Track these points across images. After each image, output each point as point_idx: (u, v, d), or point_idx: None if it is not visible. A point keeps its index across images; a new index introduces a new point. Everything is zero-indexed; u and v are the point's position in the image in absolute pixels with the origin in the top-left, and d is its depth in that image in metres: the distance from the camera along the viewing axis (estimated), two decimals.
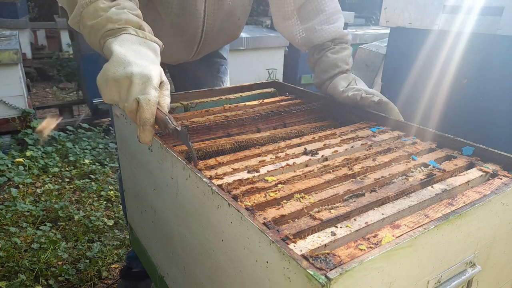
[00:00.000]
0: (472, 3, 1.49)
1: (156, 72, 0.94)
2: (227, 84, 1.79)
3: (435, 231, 0.66)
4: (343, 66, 1.39)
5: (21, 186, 2.94)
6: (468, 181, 0.88)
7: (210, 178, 0.85)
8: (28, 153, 3.32)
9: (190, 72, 1.69)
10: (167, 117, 0.94)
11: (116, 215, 2.66)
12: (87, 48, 4.01)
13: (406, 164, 0.95)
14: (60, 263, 2.17)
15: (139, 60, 0.95)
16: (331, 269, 0.56)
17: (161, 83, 0.96)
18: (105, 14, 0.99)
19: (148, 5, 1.34)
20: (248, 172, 0.89)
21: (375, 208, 0.76)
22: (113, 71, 0.92)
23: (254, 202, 0.77)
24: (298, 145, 1.07)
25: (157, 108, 0.92)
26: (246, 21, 1.62)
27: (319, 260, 0.59)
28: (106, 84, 0.93)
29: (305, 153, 1.00)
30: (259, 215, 0.72)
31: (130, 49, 0.97)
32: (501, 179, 0.88)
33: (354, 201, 0.79)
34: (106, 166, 3.36)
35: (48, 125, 1.52)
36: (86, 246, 2.30)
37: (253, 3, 1.58)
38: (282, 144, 1.07)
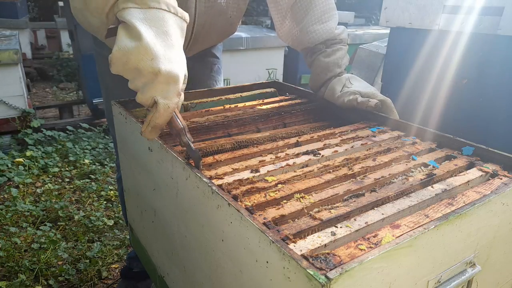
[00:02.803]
0: (472, 3, 1.49)
1: (183, 73, 0.87)
2: (221, 83, 1.79)
3: (435, 231, 0.66)
4: (336, 70, 1.36)
5: (21, 186, 2.94)
6: (468, 181, 0.88)
7: (210, 178, 0.85)
8: (28, 153, 3.32)
9: None
10: (182, 128, 0.89)
11: (116, 215, 2.66)
12: (87, 48, 4.03)
13: (406, 164, 0.95)
14: (60, 263, 2.17)
15: (168, 52, 0.84)
16: (331, 269, 0.56)
17: (184, 76, 0.89)
18: None
19: None
20: (250, 172, 0.89)
21: (375, 208, 0.76)
22: (138, 58, 0.82)
23: (254, 202, 0.77)
24: (298, 145, 1.07)
25: (173, 114, 0.86)
26: (241, 18, 1.60)
27: (319, 260, 0.59)
28: (125, 67, 0.84)
29: (305, 153, 1.00)
30: (259, 215, 0.72)
31: (160, 36, 0.84)
32: (501, 179, 0.88)
33: (354, 201, 0.79)
34: (106, 166, 3.36)
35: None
36: (86, 246, 2.30)
37: (253, 3, 1.58)
38: (282, 143, 1.07)
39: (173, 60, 0.85)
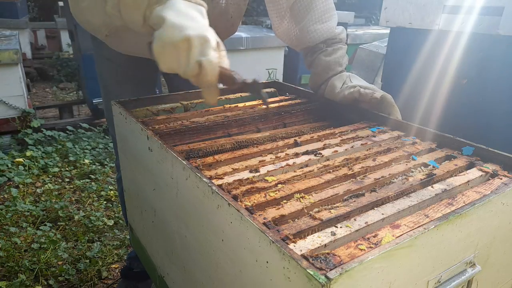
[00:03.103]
0: (472, 3, 1.49)
1: (212, 33, 0.94)
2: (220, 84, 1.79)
3: (435, 231, 0.66)
4: (337, 69, 1.37)
5: (21, 186, 2.94)
6: (468, 181, 0.88)
7: (210, 178, 0.85)
8: (28, 153, 3.32)
9: None
10: (232, 73, 0.95)
11: (116, 215, 2.66)
12: (87, 48, 4.03)
13: (406, 164, 0.95)
14: (60, 263, 2.17)
15: (193, 23, 0.93)
16: (331, 269, 0.56)
17: (217, 43, 0.96)
18: None
19: None
20: (250, 172, 0.89)
21: (375, 208, 0.76)
22: (170, 36, 0.90)
23: (254, 202, 0.77)
24: (298, 145, 1.07)
25: (219, 67, 0.93)
26: (241, 18, 1.60)
27: (319, 260, 0.59)
28: (164, 51, 0.91)
29: (305, 153, 1.00)
30: (259, 215, 0.72)
31: (181, 13, 0.94)
32: (501, 179, 0.88)
33: (354, 201, 0.79)
34: (106, 166, 3.36)
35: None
36: (86, 246, 2.30)
37: (253, 3, 1.58)
38: (282, 143, 1.07)
39: (198, 26, 0.93)
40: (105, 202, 2.81)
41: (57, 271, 2.07)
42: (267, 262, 0.64)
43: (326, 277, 0.54)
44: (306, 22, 1.39)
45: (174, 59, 0.92)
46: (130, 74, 1.56)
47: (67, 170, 3.24)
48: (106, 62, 1.55)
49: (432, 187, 0.85)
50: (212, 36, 0.93)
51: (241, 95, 1.49)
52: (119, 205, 2.76)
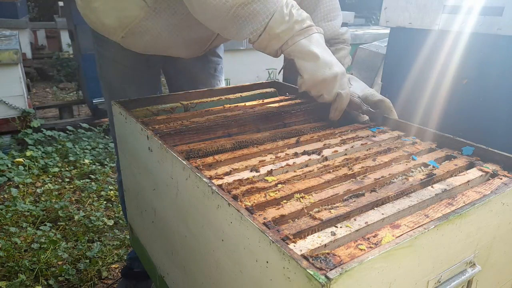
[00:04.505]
0: (472, 3, 1.49)
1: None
2: (223, 83, 1.79)
3: (435, 231, 0.66)
4: None
5: (21, 186, 2.94)
6: (468, 181, 0.88)
7: (210, 178, 0.85)
8: (28, 153, 3.32)
9: (187, 72, 1.69)
10: (360, 101, 1.21)
11: (116, 215, 2.66)
12: (87, 48, 4.03)
13: (406, 164, 0.95)
14: (60, 263, 2.17)
15: (332, 57, 1.13)
16: (331, 269, 0.56)
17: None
18: (291, 18, 1.08)
19: None
20: (250, 171, 0.89)
21: (375, 208, 0.76)
22: (322, 73, 1.10)
23: (254, 202, 0.77)
24: (298, 145, 1.07)
25: (351, 96, 1.16)
26: None
27: (319, 260, 0.59)
28: (316, 85, 1.13)
29: (305, 153, 1.00)
30: (259, 215, 0.72)
31: (325, 50, 1.12)
32: (501, 179, 0.88)
33: (354, 201, 0.79)
34: (106, 166, 3.36)
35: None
36: (86, 246, 2.30)
37: None
38: (282, 143, 1.07)
39: (338, 63, 1.13)
40: (105, 202, 2.81)
41: (57, 271, 2.07)
42: (267, 262, 0.64)
43: (326, 277, 0.54)
44: (312, 19, 1.40)
45: (321, 88, 1.13)
46: (135, 75, 1.55)
47: (67, 170, 3.24)
48: (110, 63, 1.54)
49: (432, 187, 0.85)
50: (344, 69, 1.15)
51: (241, 95, 1.49)
52: (119, 205, 2.76)
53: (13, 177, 3.00)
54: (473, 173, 0.91)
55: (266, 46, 1.13)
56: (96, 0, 1.27)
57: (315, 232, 0.68)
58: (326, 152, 1.01)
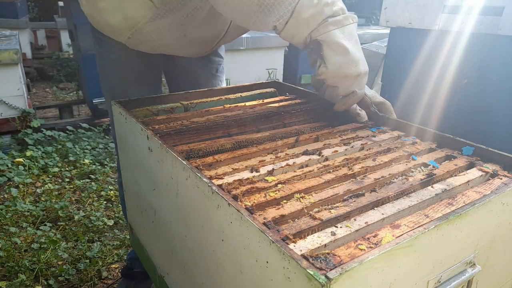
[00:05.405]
0: (472, 3, 1.49)
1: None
2: (224, 83, 1.79)
3: (435, 231, 0.66)
4: None
5: (21, 186, 2.94)
6: (468, 181, 0.88)
7: (210, 178, 0.85)
8: (28, 153, 3.32)
9: (188, 72, 1.69)
10: (370, 102, 1.22)
11: (116, 215, 2.66)
12: (87, 48, 4.03)
13: (406, 164, 0.95)
14: (60, 263, 2.17)
15: (361, 55, 1.09)
16: (331, 269, 0.56)
17: None
18: (320, 1, 1.00)
19: None
20: (250, 171, 0.89)
21: (375, 208, 0.76)
22: (347, 69, 1.07)
23: (254, 202, 0.77)
24: (298, 145, 1.07)
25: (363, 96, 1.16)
26: None
27: (319, 260, 0.59)
28: (336, 78, 1.10)
29: (305, 153, 1.00)
30: (259, 215, 0.72)
31: (355, 44, 1.07)
32: (501, 179, 0.88)
33: (354, 201, 0.79)
34: (106, 166, 3.36)
35: None
36: (86, 246, 2.30)
37: None
38: (282, 143, 1.07)
39: (364, 61, 1.10)
40: (105, 202, 2.81)
41: (57, 271, 2.07)
42: (267, 262, 0.64)
43: (326, 277, 0.54)
44: None
45: (340, 82, 1.11)
46: (136, 75, 1.55)
47: (67, 170, 3.24)
48: (111, 63, 1.54)
49: (432, 187, 0.85)
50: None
51: (241, 95, 1.49)
52: (119, 205, 2.76)
53: (13, 177, 3.00)
54: (473, 173, 0.91)
55: (293, 34, 1.06)
56: (102, 0, 1.26)
57: (315, 232, 0.68)
58: (326, 152, 1.01)
